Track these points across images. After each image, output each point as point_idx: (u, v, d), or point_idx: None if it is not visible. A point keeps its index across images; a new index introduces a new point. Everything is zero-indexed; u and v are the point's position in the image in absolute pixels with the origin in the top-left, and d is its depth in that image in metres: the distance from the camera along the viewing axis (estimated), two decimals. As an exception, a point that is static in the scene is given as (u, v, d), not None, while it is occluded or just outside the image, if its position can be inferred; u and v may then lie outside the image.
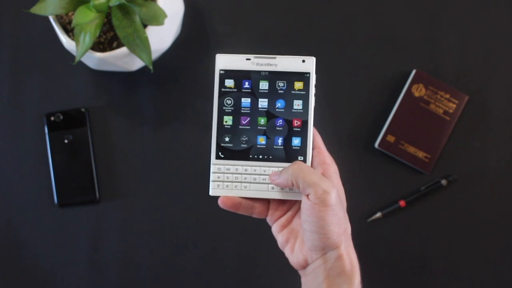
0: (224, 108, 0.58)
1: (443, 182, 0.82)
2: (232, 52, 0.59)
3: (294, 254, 0.56)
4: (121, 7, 0.70)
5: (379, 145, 0.83)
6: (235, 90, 0.58)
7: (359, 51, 0.85)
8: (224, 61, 0.58)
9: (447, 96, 0.82)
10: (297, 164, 0.54)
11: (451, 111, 0.82)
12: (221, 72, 0.58)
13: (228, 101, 0.58)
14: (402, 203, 0.82)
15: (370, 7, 0.86)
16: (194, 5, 0.85)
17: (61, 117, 0.84)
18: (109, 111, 0.85)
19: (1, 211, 0.84)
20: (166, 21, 0.71)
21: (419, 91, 0.82)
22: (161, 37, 0.76)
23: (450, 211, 0.83)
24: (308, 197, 0.52)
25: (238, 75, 0.58)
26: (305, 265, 0.55)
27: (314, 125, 0.58)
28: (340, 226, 0.53)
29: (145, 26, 0.72)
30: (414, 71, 0.83)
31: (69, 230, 0.84)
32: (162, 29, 0.74)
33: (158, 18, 0.70)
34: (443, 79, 0.83)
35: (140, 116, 0.85)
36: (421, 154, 0.82)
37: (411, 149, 0.82)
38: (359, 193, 0.83)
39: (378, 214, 0.82)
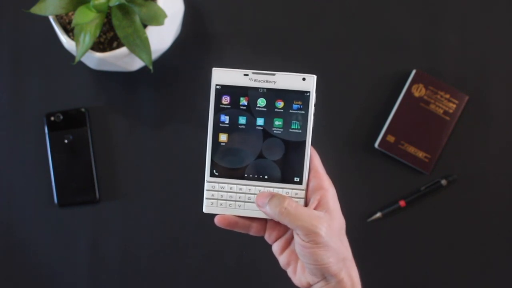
0: (220, 124, 0.56)
1: (443, 182, 0.82)
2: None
3: (296, 277, 0.55)
4: (121, 7, 0.70)
5: (379, 145, 0.83)
6: (232, 106, 0.56)
7: (359, 51, 0.85)
8: (221, 76, 0.55)
9: (447, 96, 0.82)
10: (283, 206, 0.52)
11: (451, 111, 0.82)
12: (218, 87, 0.55)
13: (224, 117, 0.56)
14: (402, 203, 0.82)
15: (370, 7, 0.86)
16: (194, 5, 0.85)
17: (61, 117, 0.84)
18: (109, 111, 0.85)
19: (1, 211, 0.84)
20: (166, 21, 0.71)
21: (419, 91, 0.82)
22: (161, 37, 0.76)
23: (450, 211, 0.83)
24: (298, 236, 0.52)
25: (235, 91, 0.56)
26: (308, 286, 0.54)
27: (314, 140, 0.56)
28: (337, 255, 0.52)
29: (145, 26, 0.72)
30: (414, 71, 0.83)
31: (69, 230, 0.84)
32: (162, 29, 0.73)
33: (158, 18, 0.70)
34: (443, 79, 0.83)
35: (140, 116, 0.85)
36: (421, 154, 0.82)
37: (411, 149, 0.82)
38: (359, 193, 0.83)
39: (378, 214, 0.82)
